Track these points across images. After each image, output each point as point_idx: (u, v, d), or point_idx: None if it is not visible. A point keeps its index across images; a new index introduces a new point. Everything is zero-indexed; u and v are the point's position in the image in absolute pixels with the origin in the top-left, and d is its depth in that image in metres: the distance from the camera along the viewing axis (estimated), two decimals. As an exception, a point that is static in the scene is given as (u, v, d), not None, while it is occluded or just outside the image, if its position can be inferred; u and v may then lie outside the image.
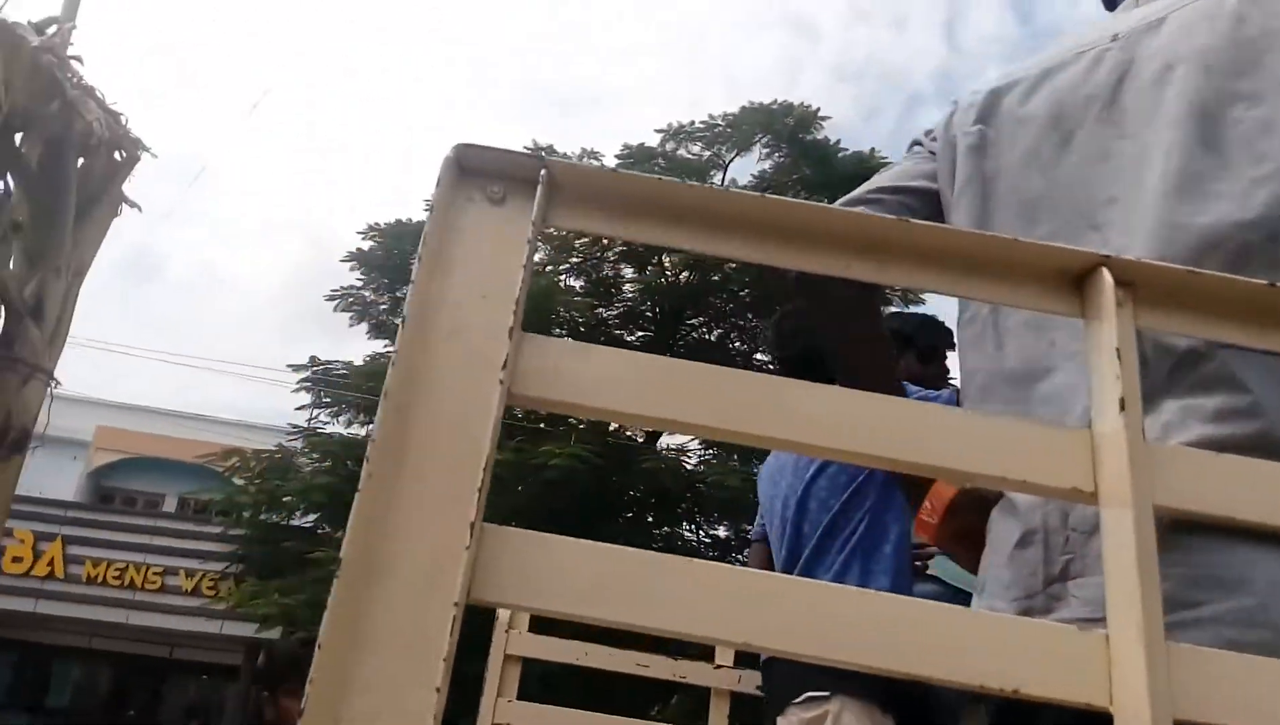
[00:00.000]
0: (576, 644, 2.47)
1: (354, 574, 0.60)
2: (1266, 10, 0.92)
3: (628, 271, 13.27)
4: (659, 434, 13.77)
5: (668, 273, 12.62)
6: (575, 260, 13.18)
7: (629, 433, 13.36)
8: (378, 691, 0.58)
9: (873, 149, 12.00)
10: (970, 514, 1.04)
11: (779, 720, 1.94)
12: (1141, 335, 0.73)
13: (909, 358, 2.47)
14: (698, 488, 11.50)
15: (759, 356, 13.47)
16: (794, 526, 2.04)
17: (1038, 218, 0.99)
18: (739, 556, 13.02)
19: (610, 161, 12.64)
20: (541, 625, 2.47)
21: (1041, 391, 0.95)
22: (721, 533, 13.36)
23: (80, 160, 3.28)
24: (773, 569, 2.33)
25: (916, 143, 1.20)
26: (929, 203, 1.12)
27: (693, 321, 13.34)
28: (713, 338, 13.51)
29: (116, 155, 3.42)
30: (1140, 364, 0.72)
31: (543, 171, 0.68)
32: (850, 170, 11.74)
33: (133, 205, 3.54)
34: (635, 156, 12.31)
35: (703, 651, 2.45)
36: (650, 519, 12.90)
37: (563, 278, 12.95)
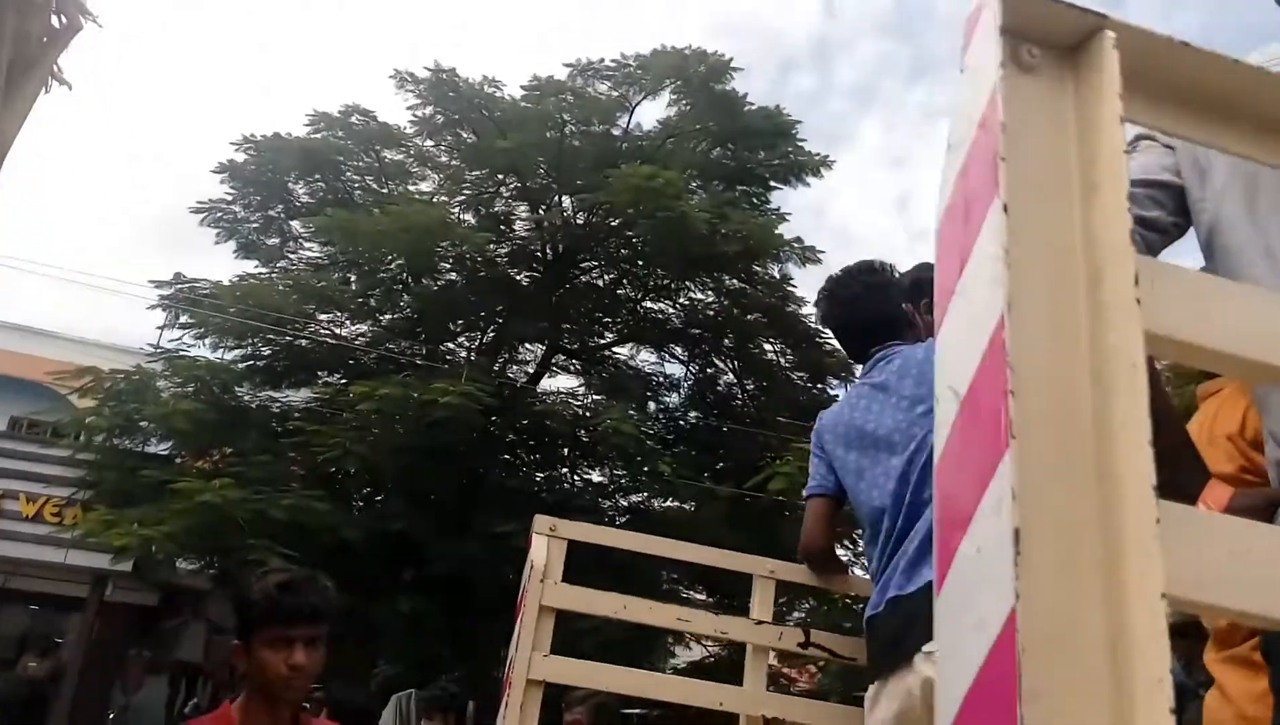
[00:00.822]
0: (615, 596, 2.35)
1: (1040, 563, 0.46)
2: None
3: (521, 209, 12.91)
4: (541, 375, 13.59)
5: (565, 213, 12.35)
6: (467, 193, 12.72)
7: (513, 373, 13.12)
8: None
9: (779, 106, 12.03)
10: (1256, 516, 0.98)
11: (903, 669, 1.86)
12: None
13: (925, 307, 2.46)
14: (592, 432, 11.40)
15: (648, 303, 13.45)
16: (912, 487, 1.96)
17: None
18: (621, 498, 13.08)
19: (516, 94, 12.18)
20: (571, 577, 2.33)
21: None
22: (595, 477, 13.36)
23: (16, 21, 2.78)
24: (834, 527, 2.27)
25: (1143, 137, 1.16)
26: (1175, 196, 1.11)
27: (586, 264, 13.13)
28: (603, 282, 13.36)
29: (56, 20, 2.93)
30: None
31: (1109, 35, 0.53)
32: (758, 124, 11.76)
33: (64, 83, 3.05)
34: (542, 90, 11.91)
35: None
36: (536, 458, 12.74)
37: (455, 212, 12.46)
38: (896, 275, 2.59)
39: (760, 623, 2.40)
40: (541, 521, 2.36)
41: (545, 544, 2.33)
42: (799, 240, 11.47)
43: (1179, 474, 1.05)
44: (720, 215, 10.53)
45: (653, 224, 10.57)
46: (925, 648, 1.80)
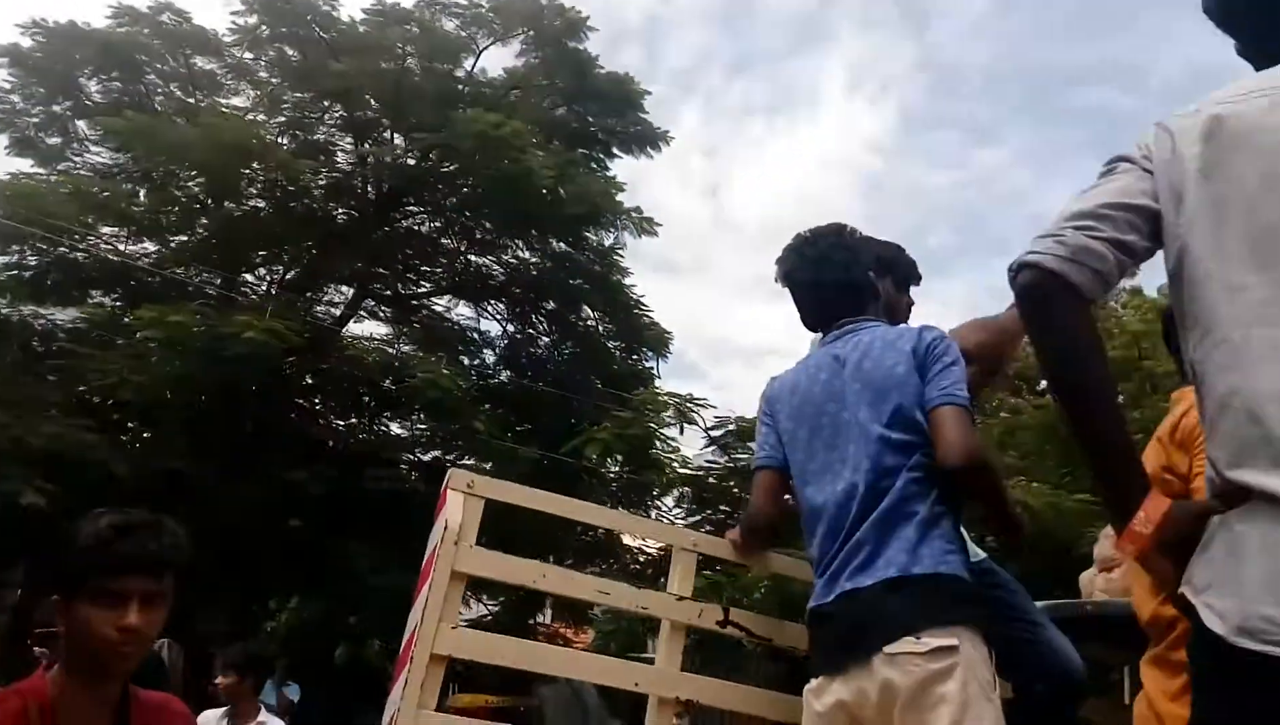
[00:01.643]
0: (535, 564, 2.14)
1: None
2: None
3: (346, 141, 12.05)
4: (349, 319, 12.84)
5: (396, 151, 11.63)
6: (287, 115, 11.71)
7: (319, 314, 12.31)
8: None
9: (628, 73, 11.87)
10: (1189, 525, 1.07)
11: (858, 669, 1.74)
12: None
13: (887, 283, 2.40)
14: (401, 383, 10.86)
15: (472, 256, 12.98)
16: (873, 465, 1.86)
17: (1277, 245, 1.03)
18: (421, 453, 12.60)
19: (357, 16, 11.28)
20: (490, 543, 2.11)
21: None
22: (396, 430, 12.82)
23: None
24: (782, 502, 2.15)
25: (1123, 159, 1.19)
26: (1151, 222, 1.13)
27: (411, 208, 12.47)
28: (427, 229, 12.74)
29: None
30: None
31: None
32: (607, 89, 11.57)
33: None
34: (386, 17, 11.09)
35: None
36: (335, 406, 12.02)
37: (271, 134, 11.44)
38: (864, 244, 2.48)
39: (681, 598, 2.26)
40: (459, 476, 2.10)
41: (461, 502, 2.08)
42: (638, 210, 11.42)
43: (1122, 486, 1.13)
44: (563, 175, 10.27)
45: (493, 175, 10.15)
46: (887, 648, 1.71)
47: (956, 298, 42.38)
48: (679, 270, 39.37)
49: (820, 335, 2.17)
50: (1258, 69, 1.24)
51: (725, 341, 49.31)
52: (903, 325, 2.03)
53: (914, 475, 1.84)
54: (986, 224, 44.42)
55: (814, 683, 1.86)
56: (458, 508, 2.07)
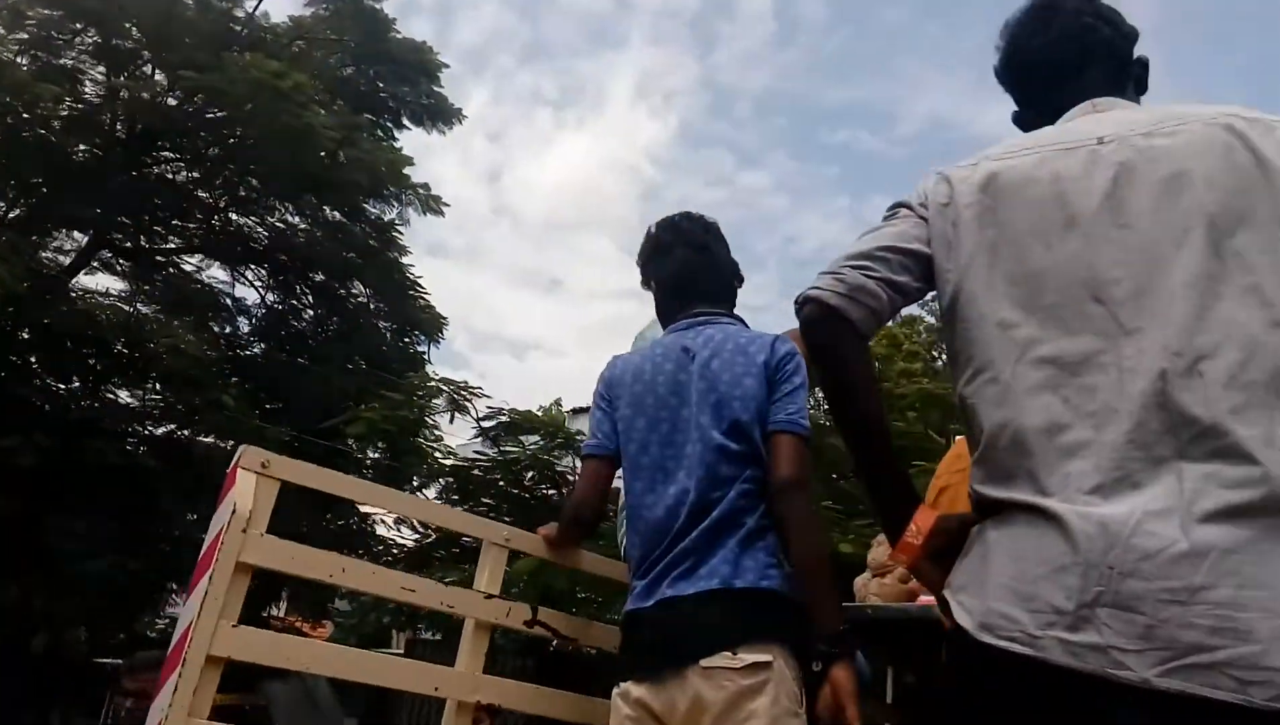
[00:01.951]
0: (331, 557, 1.92)
1: None
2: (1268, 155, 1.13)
3: (98, 70, 10.70)
4: (80, 269, 11.42)
5: (156, 89, 10.46)
6: (31, 33, 10.22)
7: (49, 260, 10.87)
8: None
9: (425, 42, 11.37)
10: (954, 534, 1.19)
11: (670, 678, 1.68)
12: (1168, 402, 1.02)
13: None
14: (138, 347, 9.77)
15: (232, 214, 11.95)
16: (707, 469, 1.80)
17: (1043, 287, 1.13)
18: (154, 426, 11.41)
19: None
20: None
21: (1062, 443, 1.08)
22: (125, 398, 11.56)
23: None
24: (606, 494, 2.04)
25: (903, 206, 1.31)
26: (923, 265, 1.25)
27: (167, 154, 11.28)
28: (183, 179, 11.56)
29: None
30: (1165, 429, 0.98)
31: None
32: (403, 55, 11.03)
33: None
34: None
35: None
36: (56, 365, 10.62)
37: (11, 52, 9.95)
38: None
39: (490, 597, 2.13)
40: (251, 455, 1.85)
41: (253, 484, 1.83)
42: (426, 186, 10.96)
43: (895, 502, 1.26)
44: (346, 139, 9.66)
45: (268, 129, 9.37)
46: (703, 662, 1.66)
47: (718, 309, 44.28)
48: (451, 253, 38.50)
49: (660, 322, 2.11)
50: (1027, 129, 1.40)
51: (492, 331, 48.88)
52: (755, 331, 1.98)
53: (745, 488, 1.79)
54: (746, 242, 46.87)
55: (623, 686, 1.79)
56: (248, 490, 1.83)
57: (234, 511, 1.78)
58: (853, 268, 1.24)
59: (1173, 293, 1.08)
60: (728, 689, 1.65)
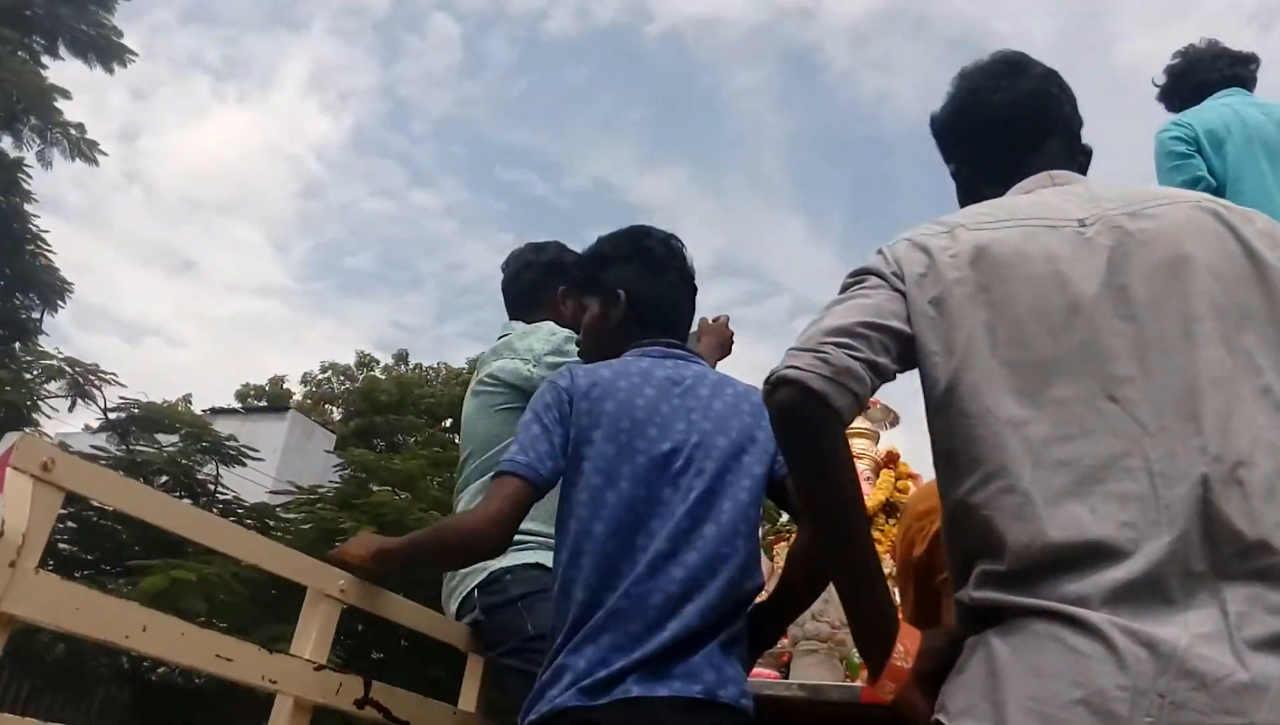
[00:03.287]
0: (130, 609, 1.32)
1: None
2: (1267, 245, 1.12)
3: None
4: None
5: None
6: None
7: None
8: None
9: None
10: (940, 654, 1.07)
11: None
12: (1212, 512, 0.92)
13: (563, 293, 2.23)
14: None
15: None
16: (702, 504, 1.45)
17: (1051, 379, 1.03)
18: None
19: None
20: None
21: (1095, 555, 0.96)
22: None
23: None
24: (516, 528, 1.55)
25: (872, 273, 1.16)
26: (902, 345, 1.11)
27: None
28: None
29: None
30: (1207, 543, 0.93)
31: None
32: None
33: None
34: None
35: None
36: None
37: None
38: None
39: (320, 668, 1.61)
40: (28, 450, 1.22)
41: (29, 493, 1.21)
42: (81, 126, 9.19)
43: (881, 617, 1.10)
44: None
45: None
46: None
47: (363, 320, 42.51)
48: (65, 212, 33.16)
49: (599, 339, 1.74)
50: (969, 191, 1.34)
51: (102, 307, 42.82)
52: (737, 380, 1.69)
53: (744, 569, 1.46)
54: (408, 261, 45.59)
55: None
56: (22, 502, 1.21)
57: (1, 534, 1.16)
58: (835, 346, 1.06)
59: (1197, 391, 1.00)
60: None
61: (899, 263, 1.15)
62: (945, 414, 1.08)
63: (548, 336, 2.03)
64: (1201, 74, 2.28)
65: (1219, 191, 2.08)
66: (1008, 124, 1.31)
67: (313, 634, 1.62)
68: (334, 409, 21.82)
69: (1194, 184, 2.08)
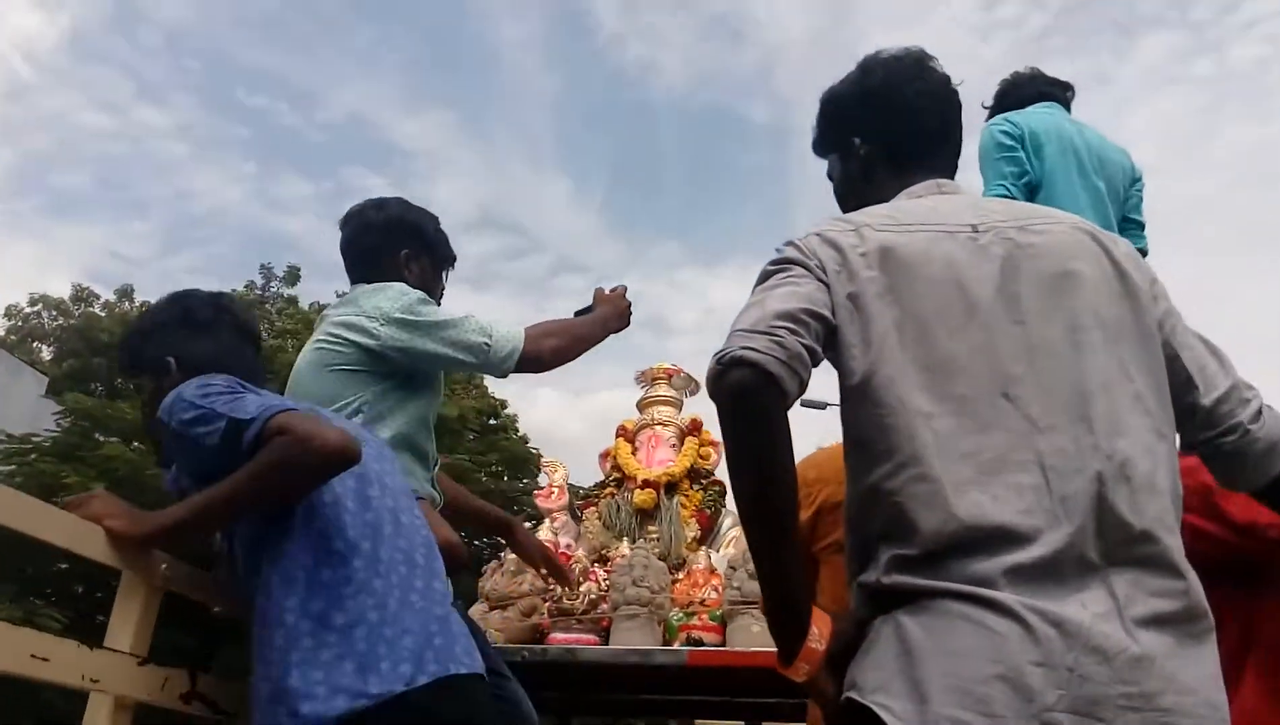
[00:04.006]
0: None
1: None
2: (1140, 276, 1.24)
3: None
4: None
5: None
6: None
7: None
8: None
9: None
10: (849, 636, 1.10)
11: None
12: (1105, 505, 1.03)
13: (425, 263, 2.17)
14: None
15: None
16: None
17: (953, 376, 1.10)
18: None
19: None
20: None
21: (999, 541, 1.03)
22: None
23: None
24: None
25: (795, 264, 1.20)
26: (828, 334, 1.15)
27: None
28: None
29: None
30: (1098, 532, 1.05)
31: None
32: None
33: None
34: None
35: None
36: None
37: None
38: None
39: (144, 662, 1.43)
40: None
41: None
42: None
43: (798, 604, 1.13)
44: None
45: None
46: None
47: (75, 247, 37.85)
48: None
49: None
50: (864, 170, 1.38)
51: None
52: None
53: None
54: (130, 183, 40.87)
55: None
56: None
57: None
58: (788, 331, 1.08)
59: (1087, 394, 1.09)
60: None
61: (816, 256, 1.18)
62: (861, 404, 1.12)
63: (398, 296, 1.91)
64: (1024, 89, 2.51)
65: (1035, 189, 2.29)
66: (919, 114, 1.36)
67: (132, 625, 1.43)
68: (43, 347, 19.35)
69: (1021, 176, 2.27)
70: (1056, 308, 1.13)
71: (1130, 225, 2.44)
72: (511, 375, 1.96)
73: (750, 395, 1.05)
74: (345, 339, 1.89)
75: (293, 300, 18.19)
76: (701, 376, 3.57)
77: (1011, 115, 2.39)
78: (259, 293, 19.45)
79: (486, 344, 1.92)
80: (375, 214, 2.11)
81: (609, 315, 2.11)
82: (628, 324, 2.15)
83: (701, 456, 3.32)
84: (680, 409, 3.49)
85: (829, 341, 1.15)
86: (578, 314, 2.15)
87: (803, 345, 1.08)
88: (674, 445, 3.35)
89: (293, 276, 20.66)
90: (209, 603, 1.66)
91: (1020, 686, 0.94)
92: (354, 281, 2.08)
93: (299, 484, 1.39)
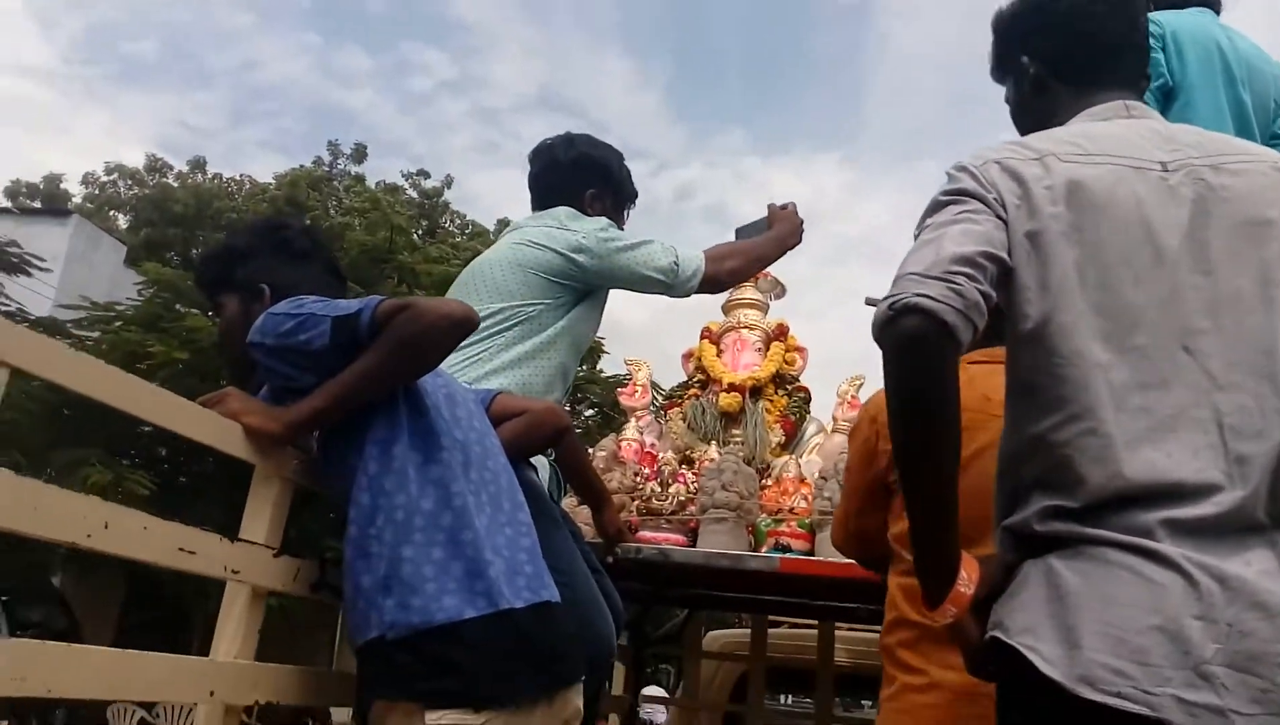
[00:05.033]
0: (88, 503, 1.12)
1: None
2: None
3: None
4: None
5: None
6: None
7: None
8: None
9: None
10: (996, 581, 1.09)
11: (559, 697, 1.41)
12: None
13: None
14: None
15: None
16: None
17: (1135, 326, 1.06)
18: None
19: None
20: None
21: (1170, 498, 1.01)
22: None
23: None
24: None
25: (971, 196, 1.13)
26: (1005, 276, 1.10)
27: None
28: None
29: None
30: (1271, 495, 1.01)
31: None
32: None
33: None
34: None
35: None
36: None
37: None
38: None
39: (278, 554, 1.48)
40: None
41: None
42: None
43: (949, 549, 1.09)
44: None
45: None
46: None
47: (145, 116, 38.13)
48: None
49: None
50: (1038, 87, 1.31)
51: None
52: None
53: None
54: (196, 52, 40.71)
55: (485, 716, 1.31)
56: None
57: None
58: (966, 277, 1.03)
59: (1275, 353, 1.05)
60: None
61: (996, 188, 1.12)
62: (1033, 349, 1.09)
63: (600, 220, 2.13)
64: None
65: (1172, 93, 2.15)
66: (1092, 23, 1.28)
67: (266, 518, 1.48)
68: (119, 216, 19.77)
69: (1155, 79, 2.13)
70: (1248, 258, 1.08)
71: (1277, 142, 2.29)
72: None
73: (922, 344, 1.00)
74: (551, 248, 2.05)
75: (360, 178, 18.27)
76: (785, 280, 3.51)
77: (1157, 15, 2.22)
78: (326, 169, 19.51)
79: (675, 265, 2.08)
80: (564, 152, 2.25)
81: (785, 233, 2.23)
82: (800, 241, 2.25)
83: (787, 362, 3.29)
84: (766, 312, 3.45)
85: (1003, 283, 1.10)
86: (738, 232, 2.25)
87: (980, 291, 1.03)
88: (759, 349, 3.32)
89: (360, 154, 20.66)
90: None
91: (1179, 638, 0.94)
92: (538, 211, 2.24)
93: (432, 353, 1.45)
